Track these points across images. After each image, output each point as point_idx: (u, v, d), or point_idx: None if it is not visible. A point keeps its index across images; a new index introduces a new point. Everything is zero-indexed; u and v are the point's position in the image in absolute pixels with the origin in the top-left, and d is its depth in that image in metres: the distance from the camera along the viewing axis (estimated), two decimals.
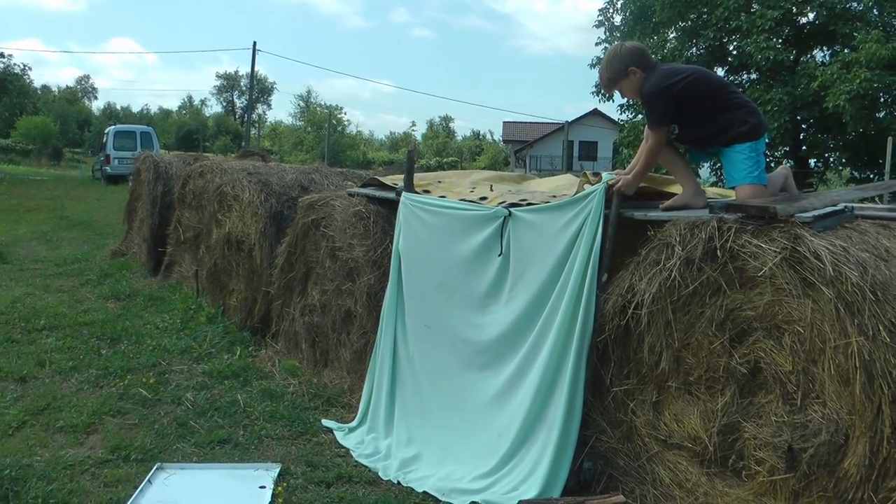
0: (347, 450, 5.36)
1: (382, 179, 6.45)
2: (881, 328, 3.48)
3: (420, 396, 5.46)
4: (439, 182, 6.17)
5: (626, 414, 4.53)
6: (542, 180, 6.81)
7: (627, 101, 29.89)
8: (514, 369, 4.84)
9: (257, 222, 7.80)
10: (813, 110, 24.08)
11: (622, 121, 31.34)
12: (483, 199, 5.47)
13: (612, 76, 4.73)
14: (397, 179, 6.29)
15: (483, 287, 5.12)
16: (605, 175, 4.67)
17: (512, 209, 5.02)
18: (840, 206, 4.24)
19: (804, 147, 27.40)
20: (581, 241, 4.56)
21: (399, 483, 4.88)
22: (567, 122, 35.77)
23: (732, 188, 4.66)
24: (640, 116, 28.84)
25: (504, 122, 66.23)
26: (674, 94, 4.51)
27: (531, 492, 4.41)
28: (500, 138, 69.54)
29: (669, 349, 4.31)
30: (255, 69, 44.60)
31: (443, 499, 4.62)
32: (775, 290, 3.87)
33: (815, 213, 3.97)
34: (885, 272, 3.65)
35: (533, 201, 5.10)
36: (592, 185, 4.72)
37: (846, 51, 23.69)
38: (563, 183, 6.28)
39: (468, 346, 5.18)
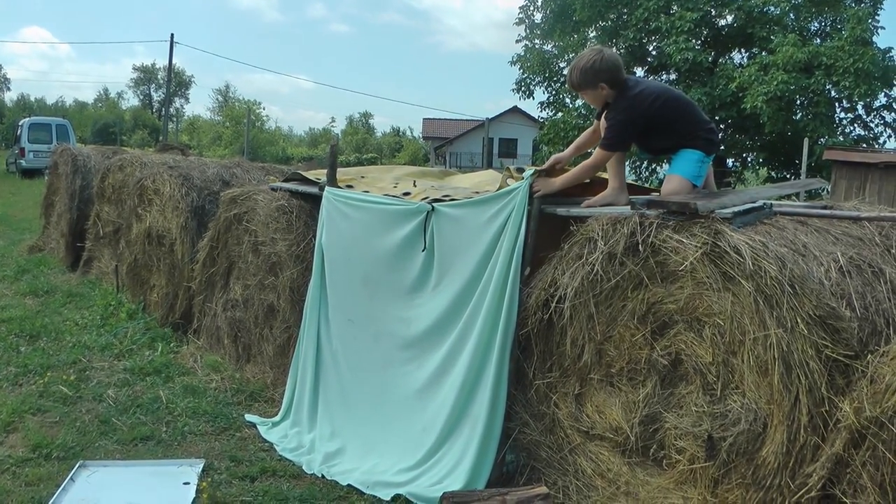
0: (271, 444, 5.34)
1: (305, 174, 6.40)
2: (799, 321, 3.56)
3: (343, 390, 5.44)
4: (362, 177, 6.15)
5: (549, 406, 4.58)
6: (463, 176, 6.83)
7: (548, 99, 30.30)
8: (438, 363, 4.85)
9: (178, 216, 7.67)
10: (731, 111, 24.68)
11: (542, 118, 31.61)
12: (406, 194, 5.48)
13: (581, 83, 4.66)
14: (320, 174, 6.25)
15: (408, 282, 5.13)
16: (527, 172, 4.70)
17: (435, 204, 5.03)
18: (759, 203, 4.34)
19: (722, 147, 28.04)
20: (505, 236, 4.59)
21: (323, 476, 4.87)
22: (487, 119, 35.85)
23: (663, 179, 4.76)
24: (559, 114, 29.21)
25: (424, 119, 66.15)
26: (640, 124, 4.59)
27: (456, 484, 4.43)
28: (420, 135, 69.37)
29: (592, 342, 4.37)
30: (173, 62, 43.74)
31: (367, 491, 4.62)
32: (696, 283, 3.94)
33: (735, 209, 4.06)
34: (803, 266, 3.75)
35: (456, 197, 5.12)
36: (515, 180, 4.76)
37: (763, 53, 24.33)
38: (486, 178, 6.31)
39: (393, 341, 5.18)
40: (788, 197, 5.10)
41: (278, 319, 6.18)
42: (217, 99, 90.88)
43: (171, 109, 69.06)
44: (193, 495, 4.47)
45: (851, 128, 24.99)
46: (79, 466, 4.79)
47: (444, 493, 4.09)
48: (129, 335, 7.64)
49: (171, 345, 7.42)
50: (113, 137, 65.96)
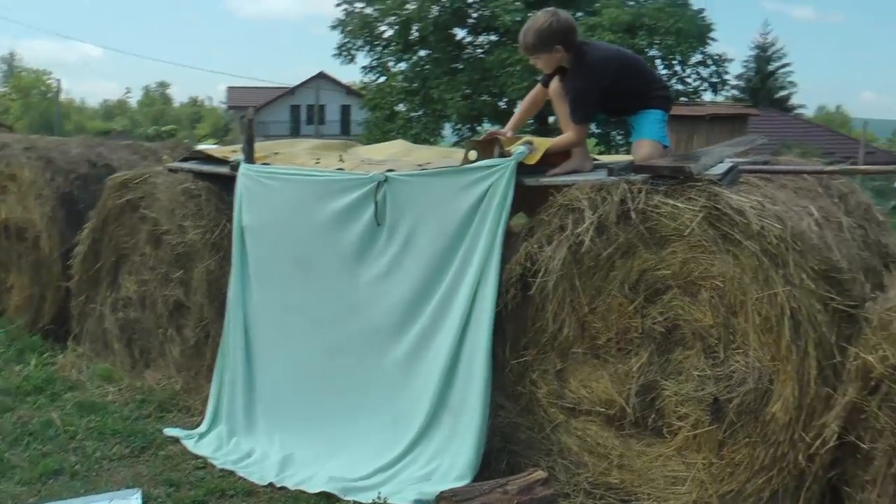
0: (206, 459, 4.75)
1: (210, 152, 5.85)
2: (804, 276, 3.57)
3: (286, 387, 4.94)
4: (276, 153, 5.64)
5: (526, 386, 4.35)
6: (370, 147, 6.47)
7: (371, 64, 30.05)
8: (407, 348, 4.50)
9: (43, 206, 6.80)
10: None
11: (365, 83, 31.40)
12: (339, 170, 5.06)
13: (536, 44, 4.45)
14: (224, 152, 5.74)
15: (354, 259, 4.71)
16: (517, 149, 4.37)
17: (388, 174, 4.64)
18: (729, 163, 4.26)
19: None
20: (487, 214, 4.29)
21: (283, 487, 4.38)
22: (317, 87, 35.07)
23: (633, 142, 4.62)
24: (383, 78, 28.99)
25: (228, 88, 63.02)
26: (601, 90, 4.42)
27: (447, 479, 4.14)
28: (224, 104, 66.38)
29: (574, 315, 4.17)
30: None
31: (345, 497, 4.20)
32: (690, 247, 3.85)
33: (719, 170, 3.99)
34: (799, 223, 3.73)
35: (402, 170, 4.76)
36: (482, 153, 4.48)
37: (583, 15, 24.92)
38: (400, 149, 6.00)
39: (339, 326, 4.76)
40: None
41: (191, 318, 5.59)
42: (1, 67, 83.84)
43: None
44: None
45: (670, 84, 26.11)
46: None
47: (441, 492, 3.77)
48: None
49: (45, 355, 6.54)
50: None
